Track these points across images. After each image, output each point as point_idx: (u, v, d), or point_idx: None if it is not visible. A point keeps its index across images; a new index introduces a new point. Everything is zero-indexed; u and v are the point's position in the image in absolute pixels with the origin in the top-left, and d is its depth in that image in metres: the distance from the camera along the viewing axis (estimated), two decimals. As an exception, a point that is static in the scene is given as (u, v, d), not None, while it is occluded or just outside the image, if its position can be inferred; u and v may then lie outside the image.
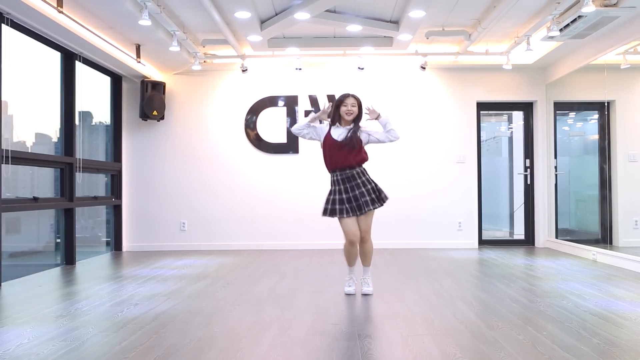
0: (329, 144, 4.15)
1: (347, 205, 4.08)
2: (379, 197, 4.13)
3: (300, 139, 7.27)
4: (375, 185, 4.17)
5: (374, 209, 4.11)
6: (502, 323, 3.33)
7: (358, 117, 4.20)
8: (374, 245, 4.26)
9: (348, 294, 4.20)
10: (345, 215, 4.07)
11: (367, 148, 4.21)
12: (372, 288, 4.24)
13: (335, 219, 4.15)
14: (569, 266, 5.64)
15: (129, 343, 2.96)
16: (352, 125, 4.17)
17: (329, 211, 4.11)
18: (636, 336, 3.05)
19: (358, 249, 4.21)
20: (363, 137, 4.18)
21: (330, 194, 4.16)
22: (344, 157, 4.09)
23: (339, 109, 4.17)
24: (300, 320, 3.48)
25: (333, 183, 4.16)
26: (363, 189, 4.10)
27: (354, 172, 4.11)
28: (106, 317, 3.58)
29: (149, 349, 2.86)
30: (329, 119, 4.22)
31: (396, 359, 2.69)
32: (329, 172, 4.19)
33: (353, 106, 4.16)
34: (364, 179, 4.14)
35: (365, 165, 4.20)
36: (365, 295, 4.18)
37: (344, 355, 2.75)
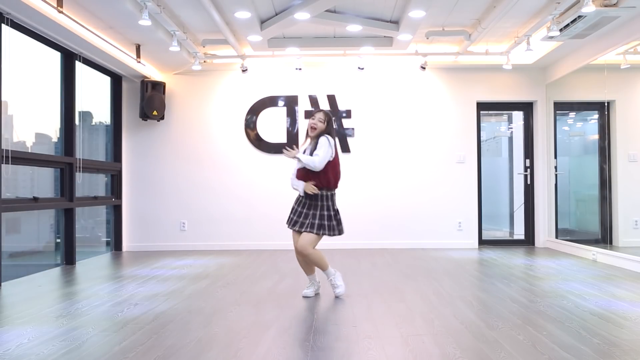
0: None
1: (294, 218, 4.14)
2: (326, 226, 4.04)
3: (299, 139, 7.31)
4: (335, 215, 4.10)
5: (305, 232, 4.03)
6: (502, 323, 3.33)
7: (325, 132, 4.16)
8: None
9: (305, 297, 4.19)
10: (289, 226, 4.16)
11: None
12: (342, 289, 4.18)
13: None
14: (569, 266, 5.64)
15: (129, 343, 2.96)
16: (313, 143, 4.15)
17: (288, 219, 4.22)
18: (636, 336, 3.05)
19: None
20: None
21: (295, 202, 4.22)
22: (305, 175, 4.08)
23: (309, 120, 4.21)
24: (300, 320, 3.49)
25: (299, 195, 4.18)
26: (316, 212, 4.06)
27: (320, 193, 4.07)
28: (106, 317, 3.58)
29: (149, 349, 2.86)
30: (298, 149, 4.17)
31: (396, 359, 2.69)
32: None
33: (320, 121, 4.13)
34: (326, 203, 4.08)
35: (335, 191, 4.17)
36: (337, 297, 4.15)
37: (343, 355, 2.75)
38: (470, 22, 5.96)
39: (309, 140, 4.22)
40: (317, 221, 4.05)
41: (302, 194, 4.10)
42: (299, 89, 7.41)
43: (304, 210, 4.11)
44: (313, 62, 7.30)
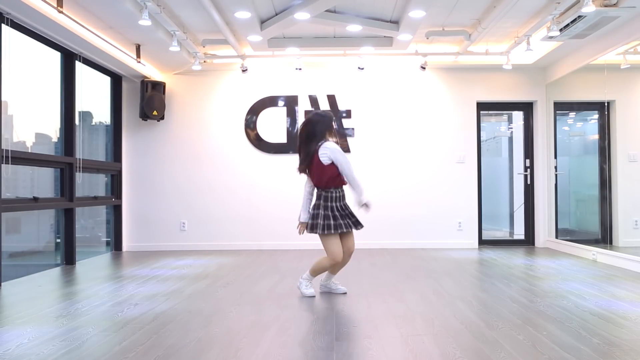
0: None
1: (345, 221, 4.16)
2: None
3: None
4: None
5: (356, 229, 4.25)
6: (502, 323, 3.33)
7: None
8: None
9: (311, 296, 4.19)
10: (345, 230, 4.13)
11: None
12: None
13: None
14: (569, 266, 5.64)
15: (129, 343, 2.96)
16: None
17: (334, 227, 4.07)
18: (636, 336, 3.05)
19: None
20: None
21: (326, 209, 4.11)
22: (340, 176, 4.18)
23: (333, 127, 4.24)
24: (300, 320, 3.49)
25: (330, 199, 4.14)
26: (350, 210, 4.25)
27: (344, 192, 4.26)
28: (106, 317, 3.58)
29: (149, 349, 2.86)
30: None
31: (396, 359, 2.69)
32: (329, 188, 4.13)
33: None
34: (346, 201, 4.29)
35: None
36: (343, 294, 4.29)
37: (344, 355, 2.75)
38: (470, 22, 5.96)
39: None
40: (357, 217, 4.29)
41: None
42: (299, 89, 7.41)
43: (345, 212, 4.19)
44: (313, 62, 7.30)
